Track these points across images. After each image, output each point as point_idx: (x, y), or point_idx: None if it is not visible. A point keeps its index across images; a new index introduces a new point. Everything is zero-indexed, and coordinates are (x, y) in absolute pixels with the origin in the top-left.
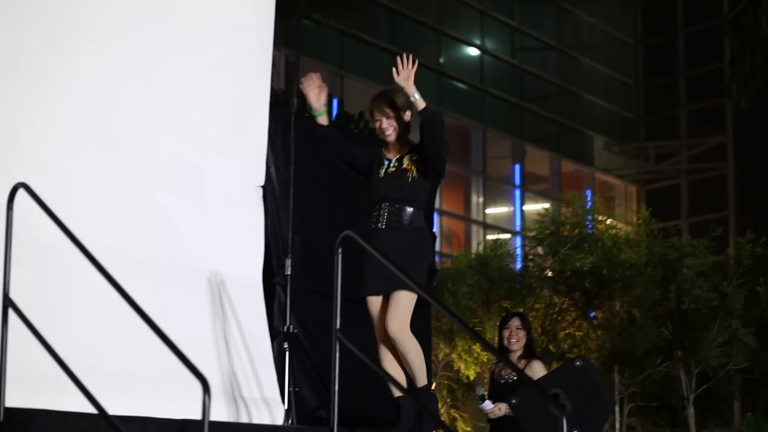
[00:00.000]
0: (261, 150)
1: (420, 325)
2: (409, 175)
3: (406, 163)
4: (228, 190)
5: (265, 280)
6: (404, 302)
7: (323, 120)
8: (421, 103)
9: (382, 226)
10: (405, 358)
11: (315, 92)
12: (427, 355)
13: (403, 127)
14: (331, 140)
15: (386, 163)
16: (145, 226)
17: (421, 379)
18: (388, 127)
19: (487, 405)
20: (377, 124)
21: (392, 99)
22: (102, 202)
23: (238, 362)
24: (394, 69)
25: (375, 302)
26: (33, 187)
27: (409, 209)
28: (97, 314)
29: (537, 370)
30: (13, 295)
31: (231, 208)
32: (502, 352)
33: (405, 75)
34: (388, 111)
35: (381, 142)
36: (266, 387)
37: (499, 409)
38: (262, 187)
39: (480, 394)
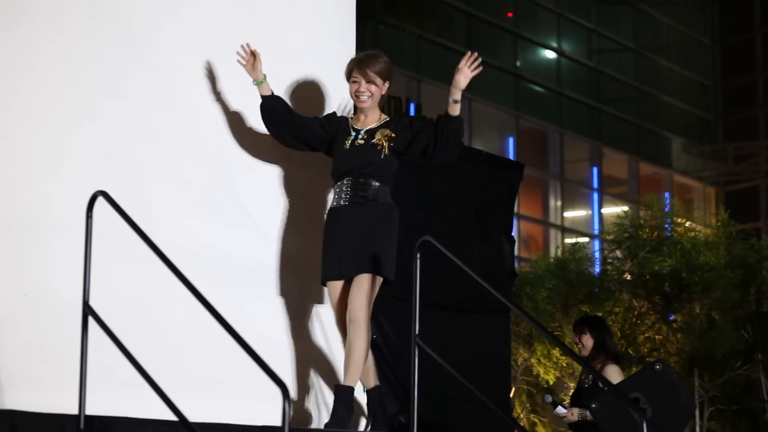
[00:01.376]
0: None
1: (499, 330)
2: (381, 150)
3: (378, 137)
4: (320, 197)
5: None
6: (368, 285)
7: (265, 90)
8: (457, 108)
9: (344, 203)
10: (350, 345)
11: (249, 63)
12: (507, 360)
13: (378, 97)
14: (281, 113)
15: (353, 134)
16: (229, 232)
17: (354, 377)
18: (365, 92)
19: (560, 410)
20: (354, 87)
21: (378, 64)
22: (186, 208)
23: (321, 368)
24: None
25: (337, 286)
26: (117, 193)
27: (375, 183)
28: (177, 321)
29: (610, 374)
30: (93, 302)
31: (322, 215)
32: (580, 357)
33: (467, 74)
34: (371, 75)
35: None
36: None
37: (572, 414)
38: None
39: (549, 401)
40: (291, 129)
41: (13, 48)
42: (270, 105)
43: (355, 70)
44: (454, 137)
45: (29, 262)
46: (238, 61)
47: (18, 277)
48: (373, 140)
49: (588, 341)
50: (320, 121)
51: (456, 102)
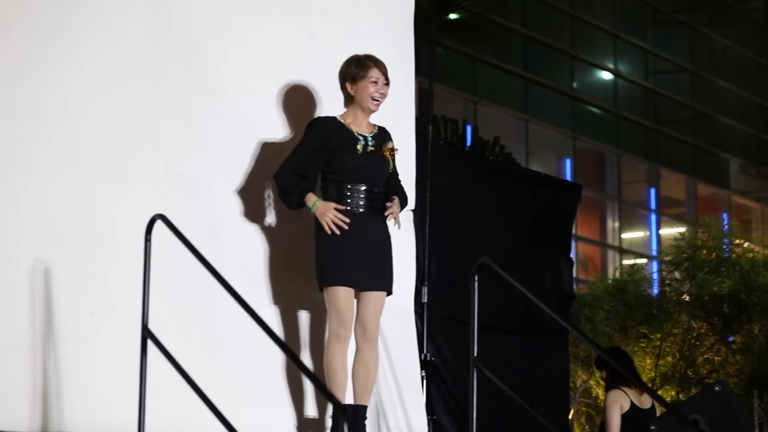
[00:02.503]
0: (410, 174)
1: (558, 352)
2: (388, 164)
3: (386, 151)
4: None
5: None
6: (383, 304)
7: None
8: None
9: (361, 210)
10: (369, 368)
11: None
12: (565, 382)
13: None
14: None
15: (362, 139)
16: (294, 251)
17: (370, 396)
18: (383, 97)
19: None
20: (372, 87)
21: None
22: (250, 227)
23: (384, 388)
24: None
25: (349, 292)
26: (181, 214)
27: (383, 196)
28: (235, 340)
29: (607, 399)
30: (153, 321)
31: None
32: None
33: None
34: (387, 77)
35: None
36: (413, 416)
37: None
38: (413, 211)
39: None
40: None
41: (79, 70)
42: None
43: (374, 68)
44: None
45: (94, 282)
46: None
47: (83, 296)
48: (383, 152)
49: (605, 375)
50: (314, 147)
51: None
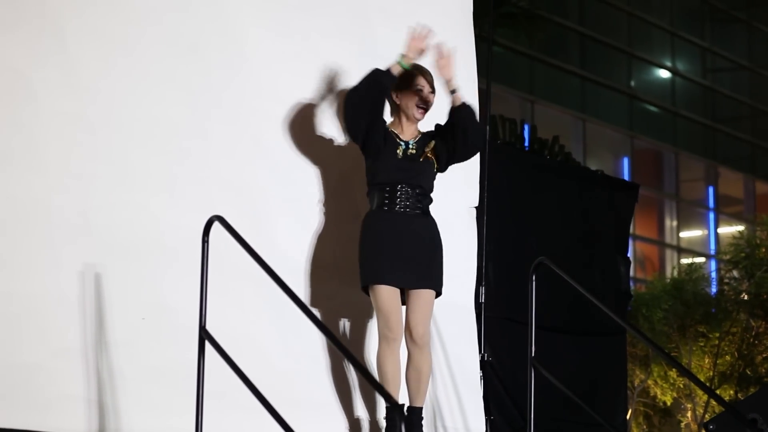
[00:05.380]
0: (474, 171)
1: (615, 352)
2: (432, 165)
3: (428, 152)
4: (443, 212)
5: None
6: (432, 304)
7: (396, 71)
8: (458, 98)
9: (402, 209)
10: (420, 373)
11: (422, 45)
12: (623, 382)
13: None
14: (382, 101)
15: (402, 144)
16: (345, 253)
17: (424, 398)
18: (429, 105)
19: None
20: (420, 93)
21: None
22: (303, 228)
23: (442, 388)
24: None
25: (394, 291)
26: (234, 216)
27: (428, 197)
28: (293, 342)
29: None
30: (210, 324)
31: (444, 230)
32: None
33: (446, 63)
34: (433, 85)
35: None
36: (470, 416)
37: None
38: (476, 208)
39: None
40: (374, 117)
41: (129, 76)
42: (387, 87)
43: (420, 77)
44: (472, 120)
45: (147, 286)
46: (415, 36)
47: (137, 300)
48: (426, 155)
49: None
50: (383, 124)
51: (454, 92)
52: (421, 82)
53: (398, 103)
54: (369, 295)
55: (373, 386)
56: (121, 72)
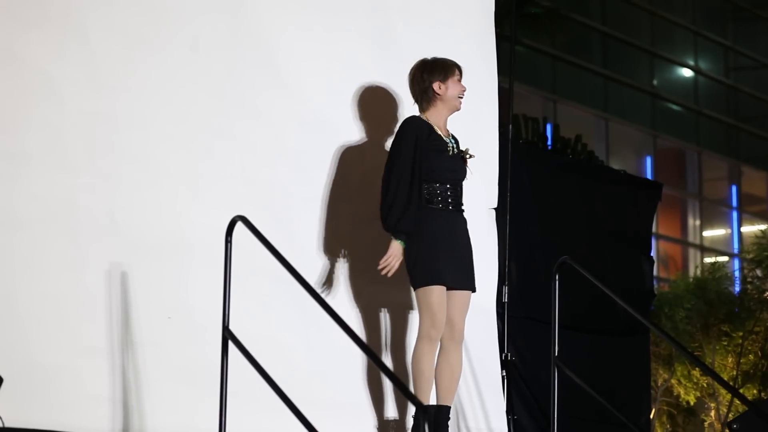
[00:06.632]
0: (492, 172)
1: (638, 351)
2: (467, 168)
3: (464, 154)
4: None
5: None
6: (468, 305)
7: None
8: None
9: (451, 208)
10: (454, 368)
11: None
12: (646, 381)
13: None
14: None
15: (449, 142)
16: (371, 252)
17: (452, 398)
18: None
19: None
20: (459, 88)
21: None
22: (328, 228)
23: (464, 389)
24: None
25: (444, 294)
26: (258, 216)
27: (462, 196)
28: (316, 342)
29: None
30: (233, 324)
31: None
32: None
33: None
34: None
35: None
36: (493, 416)
37: None
38: (495, 209)
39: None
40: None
41: (156, 75)
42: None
43: (455, 68)
44: None
45: (173, 286)
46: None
47: (161, 299)
48: (466, 154)
49: None
50: (414, 149)
51: None
52: (458, 72)
53: (441, 93)
54: (416, 293)
55: (397, 387)
56: (146, 71)
